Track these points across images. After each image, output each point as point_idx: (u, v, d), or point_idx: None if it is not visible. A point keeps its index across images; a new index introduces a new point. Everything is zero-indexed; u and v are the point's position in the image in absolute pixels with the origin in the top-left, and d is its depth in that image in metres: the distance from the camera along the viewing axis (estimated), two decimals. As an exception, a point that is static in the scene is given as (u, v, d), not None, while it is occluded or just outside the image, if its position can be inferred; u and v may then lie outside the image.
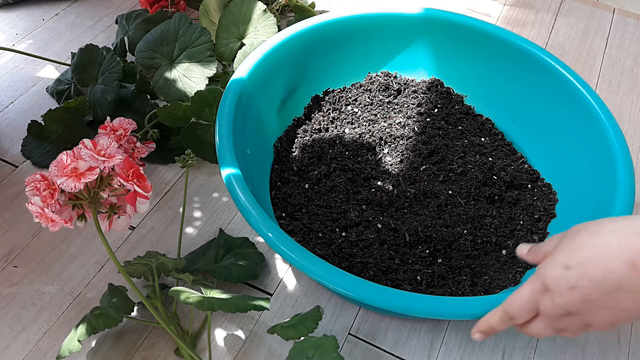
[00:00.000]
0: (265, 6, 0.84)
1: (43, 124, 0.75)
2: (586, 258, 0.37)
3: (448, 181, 0.69)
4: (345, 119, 0.76)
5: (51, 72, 0.87)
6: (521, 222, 0.66)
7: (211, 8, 0.87)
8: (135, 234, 0.68)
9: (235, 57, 0.78)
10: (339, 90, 0.79)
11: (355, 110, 0.77)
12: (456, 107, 0.78)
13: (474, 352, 0.61)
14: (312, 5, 1.00)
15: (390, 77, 0.81)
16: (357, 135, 0.73)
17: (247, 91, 0.65)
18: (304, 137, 0.74)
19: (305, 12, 0.98)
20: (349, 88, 0.80)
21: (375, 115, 0.76)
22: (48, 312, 0.61)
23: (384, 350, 0.60)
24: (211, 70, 0.75)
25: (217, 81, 0.82)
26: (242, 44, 0.83)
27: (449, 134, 0.75)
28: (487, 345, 0.61)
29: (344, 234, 0.63)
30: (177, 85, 0.75)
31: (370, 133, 0.74)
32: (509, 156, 0.74)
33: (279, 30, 0.85)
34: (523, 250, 0.47)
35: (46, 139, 0.75)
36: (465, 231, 0.64)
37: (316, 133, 0.74)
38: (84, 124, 0.77)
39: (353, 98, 0.78)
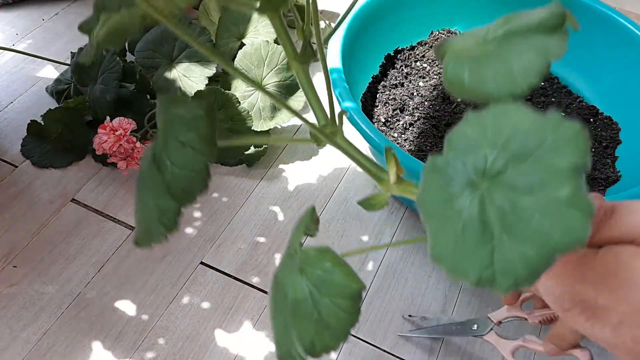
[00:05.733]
0: (265, 6, 0.84)
1: (43, 123, 0.75)
2: None
3: None
4: (417, 74, 0.84)
5: (51, 72, 0.87)
6: (592, 149, 0.76)
7: (211, 8, 0.87)
8: (135, 234, 0.68)
9: (235, 56, 0.78)
10: (407, 48, 0.87)
11: (424, 65, 0.85)
12: None
13: (474, 353, 0.61)
14: None
15: (451, 33, 0.89)
16: (432, 88, 0.81)
17: (343, 54, 0.72)
18: (384, 92, 0.82)
19: (305, 12, 0.98)
20: (416, 46, 0.88)
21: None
22: (48, 312, 0.61)
23: (384, 350, 0.60)
24: (211, 70, 0.75)
25: (217, 81, 0.81)
26: (242, 44, 0.83)
27: None
28: (487, 347, 0.61)
29: None
30: (177, 85, 0.75)
31: (442, 85, 0.80)
32: (567, 97, 0.83)
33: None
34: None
35: (46, 138, 0.75)
36: None
37: (394, 88, 0.83)
38: (83, 124, 0.77)
39: (421, 55, 0.87)
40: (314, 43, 0.31)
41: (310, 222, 0.27)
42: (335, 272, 0.24)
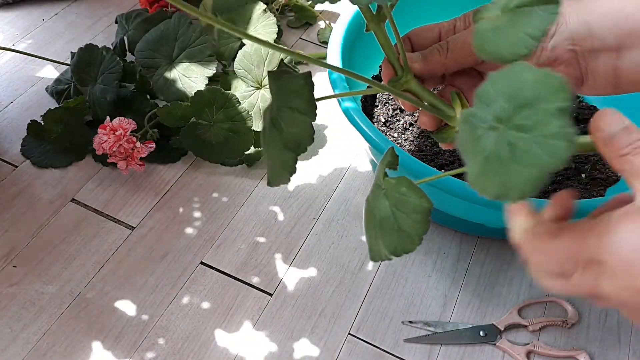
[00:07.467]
0: (265, 6, 0.84)
1: (43, 123, 0.75)
2: None
3: None
4: None
5: (51, 72, 0.87)
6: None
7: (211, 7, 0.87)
8: (135, 234, 0.68)
9: (235, 56, 0.78)
10: None
11: None
12: None
13: (474, 353, 0.61)
14: (312, 4, 1.00)
15: None
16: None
17: (343, 54, 0.71)
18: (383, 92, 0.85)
19: (305, 12, 0.98)
20: None
21: None
22: (48, 312, 0.61)
23: (384, 350, 0.60)
24: (211, 70, 0.75)
25: (217, 81, 0.81)
26: (242, 44, 0.83)
27: None
28: (487, 348, 0.61)
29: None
30: (177, 85, 0.75)
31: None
32: None
33: (279, 30, 0.85)
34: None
35: (46, 138, 0.75)
36: None
37: None
38: (83, 124, 0.77)
39: None
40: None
41: (390, 159, 0.34)
42: (409, 195, 0.31)
